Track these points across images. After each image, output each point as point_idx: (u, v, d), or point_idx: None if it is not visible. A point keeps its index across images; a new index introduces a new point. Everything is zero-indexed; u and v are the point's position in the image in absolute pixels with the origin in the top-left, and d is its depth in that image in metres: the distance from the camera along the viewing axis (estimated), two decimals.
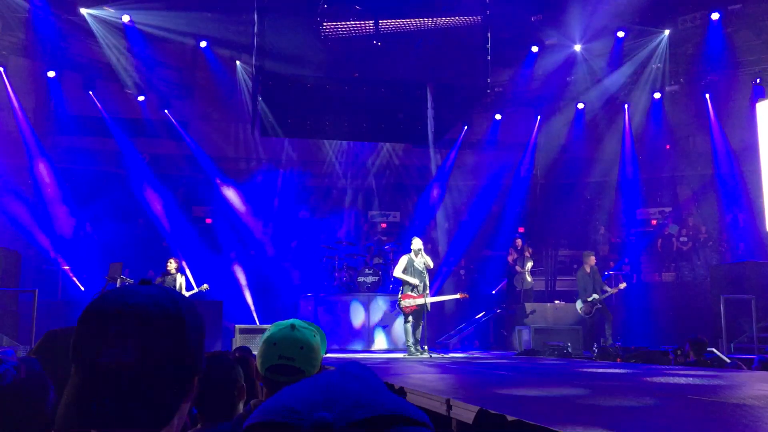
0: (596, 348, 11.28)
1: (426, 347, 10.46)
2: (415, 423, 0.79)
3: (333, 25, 14.39)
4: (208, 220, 16.57)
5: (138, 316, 1.01)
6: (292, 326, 2.15)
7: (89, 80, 15.28)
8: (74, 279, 14.43)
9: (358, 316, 14.17)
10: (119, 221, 15.14)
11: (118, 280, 11.42)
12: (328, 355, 9.95)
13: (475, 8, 14.51)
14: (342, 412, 0.76)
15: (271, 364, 2.10)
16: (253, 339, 10.37)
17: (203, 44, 15.17)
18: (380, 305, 14.25)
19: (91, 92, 15.54)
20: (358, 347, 13.74)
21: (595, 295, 12.27)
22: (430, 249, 11.65)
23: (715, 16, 14.29)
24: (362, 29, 14.52)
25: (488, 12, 14.34)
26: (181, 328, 1.03)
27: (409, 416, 0.80)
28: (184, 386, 1.04)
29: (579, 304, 12.47)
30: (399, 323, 12.56)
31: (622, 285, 12.77)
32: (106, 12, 14.23)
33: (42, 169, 14.92)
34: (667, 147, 16.58)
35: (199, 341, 1.07)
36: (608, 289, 12.57)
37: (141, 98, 15.97)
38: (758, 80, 14.66)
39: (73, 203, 15.16)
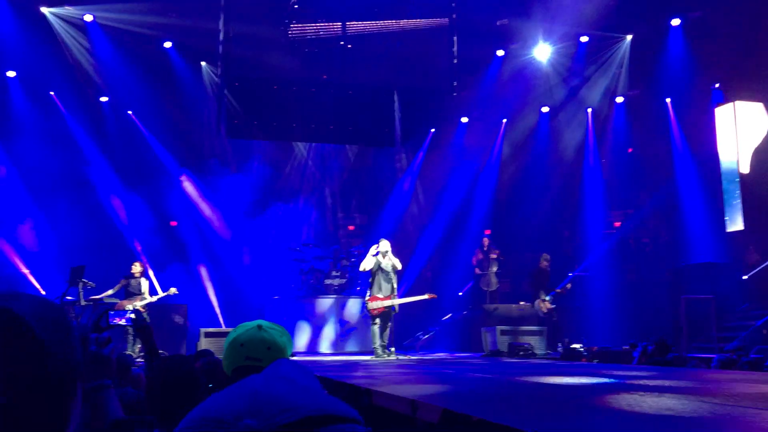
0: (561, 348, 11.44)
1: (393, 349, 10.49)
2: (343, 420, 0.79)
3: (300, 26, 14.34)
4: (173, 223, 16.37)
5: None
6: (259, 327, 2.14)
7: (50, 80, 14.99)
8: (35, 283, 14.14)
9: (325, 319, 14.15)
10: (81, 223, 14.87)
11: (80, 284, 11.23)
12: (295, 358, 9.92)
13: (442, 12, 14.60)
14: (268, 418, 0.74)
15: (238, 365, 2.09)
16: (218, 342, 10.28)
17: (168, 45, 14.99)
18: (348, 307, 14.25)
19: (52, 93, 15.25)
20: (326, 350, 13.71)
21: (543, 293, 12.52)
22: (398, 251, 11.68)
23: (675, 22, 14.59)
24: (330, 31, 14.50)
25: (454, 16, 14.44)
26: (39, 345, 0.89)
27: (337, 414, 0.79)
28: (67, 401, 0.92)
29: (536, 304, 12.69)
30: (367, 325, 12.56)
31: (568, 285, 13.02)
32: (68, 11, 13.97)
33: (1, 170, 14.60)
34: (629, 150, 16.87)
35: (66, 354, 0.93)
36: (557, 290, 12.80)
37: (104, 99, 15.72)
38: (717, 85, 15.01)
39: (33, 206, 14.85)
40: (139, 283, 11.94)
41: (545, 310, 12.62)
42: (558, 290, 12.79)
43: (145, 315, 11.50)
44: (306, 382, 0.85)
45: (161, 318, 12.78)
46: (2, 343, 0.86)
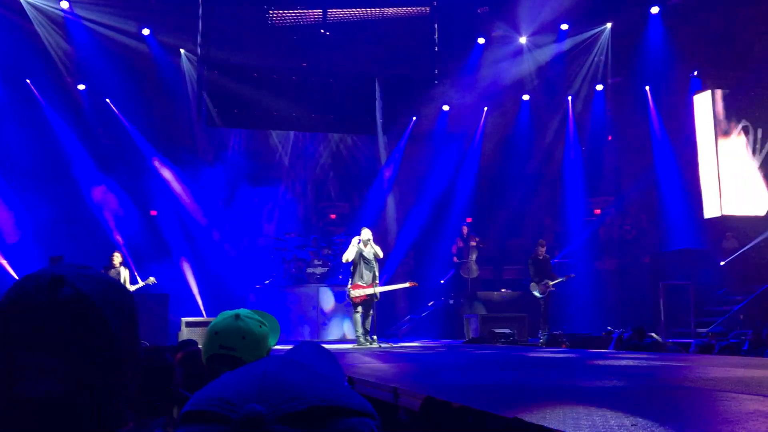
0: (543, 334, 11.53)
1: (375, 337, 10.52)
2: (355, 413, 0.75)
3: (280, 13, 14.22)
4: (153, 212, 16.24)
5: (60, 328, 0.85)
6: (236, 316, 2.13)
7: (27, 68, 14.76)
8: (12, 273, 13.97)
9: (307, 307, 14.15)
10: (60, 213, 14.70)
11: None
12: (278, 347, 9.91)
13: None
14: (275, 404, 0.72)
15: (212, 353, 2.08)
16: (200, 332, 10.24)
17: (146, 32, 14.80)
18: (330, 296, 14.25)
19: (28, 80, 15.02)
20: (308, 338, 13.71)
21: (548, 280, 12.58)
22: (380, 239, 11.68)
23: (654, 9, 14.68)
24: (310, 18, 14.40)
25: (435, 3, 14.40)
26: (105, 324, 0.88)
27: (349, 407, 0.76)
28: (121, 391, 0.91)
29: (533, 287, 12.75)
30: (349, 314, 12.59)
31: (572, 275, 13.11)
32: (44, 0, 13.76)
33: None
34: (609, 138, 16.99)
35: (127, 328, 0.93)
36: (558, 278, 12.88)
37: (81, 87, 15.51)
38: (695, 73, 15.14)
39: (11, 195, 14.66)
40: (119, 273, 11.85)
41: (540, 295, 12.67)
42: (563, 278, 12.87)
43: None
44: (325, 370, 0.82)
45: (141, 307, 12.67)
46: (73, 327, 0.85)
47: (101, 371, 0.88)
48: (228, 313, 2.15)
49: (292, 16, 14.25)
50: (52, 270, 0.90)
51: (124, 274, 11.94)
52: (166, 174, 16.25)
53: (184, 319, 11.02)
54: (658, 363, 5.51)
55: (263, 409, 0.72)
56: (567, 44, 15.80)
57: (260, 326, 2.15)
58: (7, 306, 0.87)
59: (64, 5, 13.81)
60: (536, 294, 12.68)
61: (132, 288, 11.77)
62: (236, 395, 0.74)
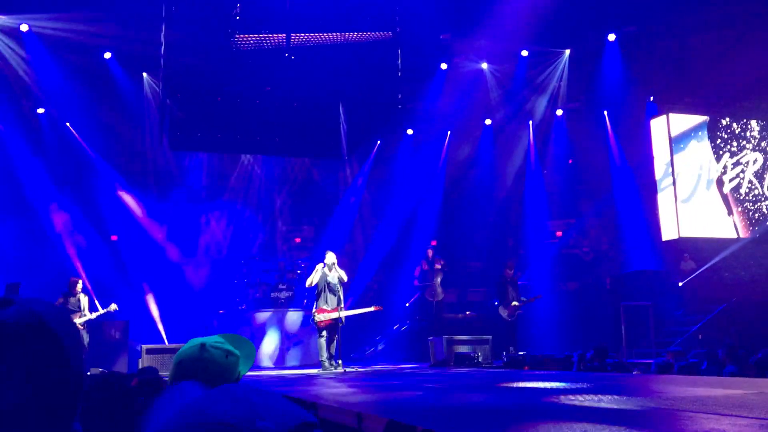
0: (505, 356, 11.59)
1: (340, 361, 10.46)
2: (317, 426, 0.85)
3: (244, 37, 14.23)
4: (114, 237, 15.97)
5: (12, 343, 0.86)
6: (202, 345, 2.10)
7: None
8: None
9: (271, 332, 14.01)
10: (17, 239, 14.37)
11: None
12: (249, 373, 9.79)
13: (386, 24, 14.72)
14: (278, 422, 0.77)
15: (174, 383, 2.06)
16: (162, 359, 10.05)
17: (107, 55, 14.68)
18: (294, 320, 14.14)
19: None
20: (271, 364, 13.57)
21: (515, 302, 12.73)
22: (345, 263, 11.66)
23: (611, 37, 15.07)
24: (273, 42, 14.44)
25: (398, 29, 14.58)
26: (59, 347, 0.89)
27: (314, 422, 0.85)
28: (72, 413, 0.92)
29: (502, 310, 12.86)
30: (313, 338, 12.50)
31: (539, 296, 13.27)
32: (3, 20, 13.56)
33: None
34: (570, 162, 17.31)
35: (75, 348, 0.94)
36: (523, 299, 13.02)
37: (40, 110, 15.27)
38: (651, 98, 15.56)
39: None
40: (78, 300, 11.61)
41: (508, 318, 12.80)
42: (530, 299, 13.04)
43: (84, 335, 11.17)
44: (273, 395, 0.89)
45: (100, 334, 12.43)
46: (28, 344, 0.86)
47: (53, 386, 0.88)
48: (195, 342, 2.12)
49: (255, 40, 14.27)
50: (3, 295, 0.92)
51: (84, 301, 11.70)
52: (127, 198, 16.03)
53: (145, 346, 10.82)
54: (619, 383, 5.59)
55: (274, 426, 0.75)
56: (527, 70, 16.12)
57: (226, 357, 2.11)
58: None
59: (24, 28, 13.63)
60: (504, 316, 12.80)
61: (92, 315, 11.53)
62: (233, 418, 0.76)
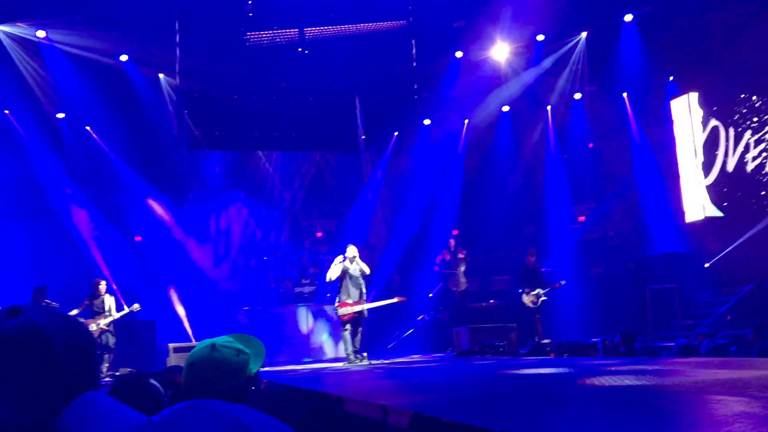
0: (530, 344, 11.54)
1: (365, 354, 10.48)
2: None
3: (257, 34, 14.25)
4: (138, 238, 16.14)
5: (10, 356, 0.88)
6: (212, 346, 2.12)
7: (4, 99, 14.67)
8: None
9: (295, 327, 14.10)
10: (42, 242, 14.59)
11: (43, 305, 10.99)
12: (267, 368, 9.85)
13: (399, 14, 14.66)
14: None
15: (187, 384, 2.08)
16: None
17: (124, 58, 14.79)
18: (318, 315, 14.21)
19: (7, 111, 14.94)
20: (298, 358, 13.65)
21: (539, 290, 12.68)
22: (367, 255, 11.67)
23: (628, 17, 14.85)
24: (287, 37, 14.44)
25: (411, 19, 14.50)
26: (56, 362, 0.90)
27: None
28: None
29: (525, 297, 12.82)
30: (338, 332, 12.54)
31: (563, 282, 13.18)
32: (21, 29, 13.70)
33: None
34: (590, 145, 17.13)
35: (78, 361, 0.95)
36: (548, 286, 12.96)
37: (60, 115, 15.45)
38: (671, 78, 15.32)
39: None
40: (103, 301, 11.74)
41: (532, 305, 12.76)
42: (553, 285, 12.98)
43: (109, 337, 11.31)
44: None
45: (128, 335, 12.58)
46: (24, 359, 0.88)
47: (48, 398, 0.89)
48: (205, 343, 2.14)
49: (269, 36, 14.29)
50: (15, 303, 0.93)
51: (109, 301, 11.84)
52: (150, 200, 16.18)
53: (172, 345, 10.94)
54: (646, 368, 5.53)
55: None
56: (544, 55, 15.95)
57: (237, 355, 2.13)
58: None
59: (41, 34, 13.77)
60: (528, 304, 12.75)
61: (118, 315, 11.67)
62: None
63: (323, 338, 14.10)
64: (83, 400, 0.87)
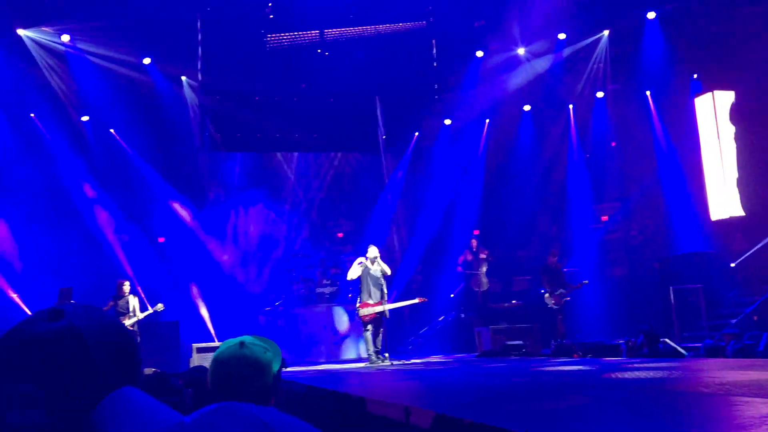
0: (553, 344, 11.47)
1: (387, 354, 10.47)
2: None
3: (277, 36, 14.33)
4: (161, 239, 16.29)
5: (46, 360, 0.88)
6: (241, 344, 2.12)
7: (30, 102, 14.89)
8: (23, 307, 14.01)
9: (317, 328, 14.12)
10: (67, 244, 14.78)
11: None
12: (289, 369, 9.89)
13: (419, 15, 14.65)
14: None
15: (220, 382, 2.07)
16: (212, 358, 10.22)
17: (147, 61, 14.93)
18: (339, 315, 14.24)
19: (32, 114, 15.16)
20: (319, 359, 13.68)
21: (562, 290, 12.62)
22: (388, 256, 11.67)
23: (651, 15, 14.69)
24: (307, 39, 14.50)
25: (431, 19, 14.49)
26: (93, 368, 0.90)
27: None
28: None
29: (548, 297, 12.75)
30: (360, 333, 12.55)
31: (586, 281, 13.09)
32: (45, 33, 13.90)
33: None
34: (613, 144, 16.96)
35: (115, 363, 0.95)
36: (572, 286, 12.89)
37: (85, 118, 15.64)
38: (695, 75, 15.12)
39: (20, 229, 14.75)
40: (128, 302, 11.86)
41: (555, 305, 12.70)
42: (576, 285, 12.91)
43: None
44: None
45: (152, 335, 12.70)
46: (60, 364, 0.88)
47: (82, 402, 0.89)
48: (232, 341, 2.14)
49: (289, 38, 14.35)
50: (57, 305, 0.94)
51: (134, 302, 11.95)
52: (173, 203, 16.33)
53: (195, 345, 11.03)
54: (672, 369, 5.46)
55: None
56: (565, 53, 15.83)
57: (265, 352, 2.13)
58: (6, 338, 0.91)
59: (65, 38, 13.95)
60: (550, 304, 12.68)
61: (142, 315, 11.78)
62: None
63: (346, 339, 14.12)
64: (119, 394, 0.88)
